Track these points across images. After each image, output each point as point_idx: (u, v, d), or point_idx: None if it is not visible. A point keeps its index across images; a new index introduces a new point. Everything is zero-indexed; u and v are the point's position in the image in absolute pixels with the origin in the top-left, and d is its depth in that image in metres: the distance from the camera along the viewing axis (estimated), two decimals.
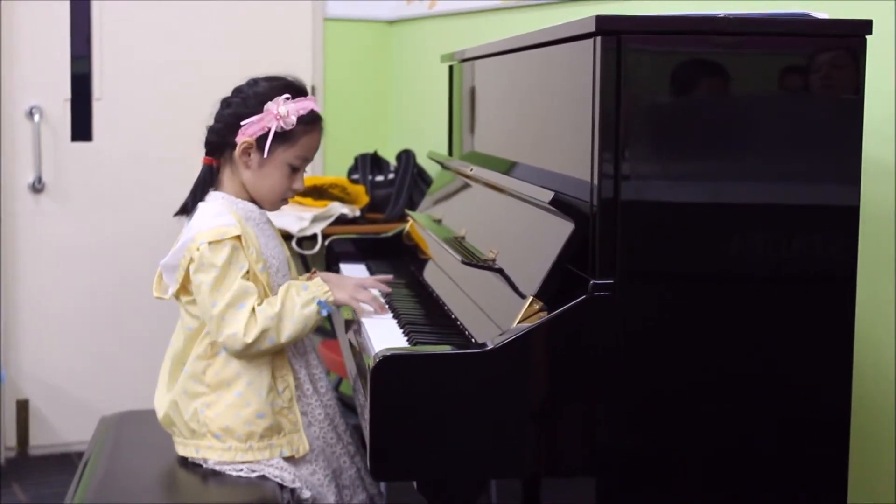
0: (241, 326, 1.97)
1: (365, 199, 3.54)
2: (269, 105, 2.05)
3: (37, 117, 3.59)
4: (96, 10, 3.66)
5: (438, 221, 2.32)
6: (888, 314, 1.86)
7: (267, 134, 2.04)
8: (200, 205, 2.09)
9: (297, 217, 3.27)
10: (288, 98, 2.05)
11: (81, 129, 3.69)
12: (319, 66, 3.97)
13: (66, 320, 3.71)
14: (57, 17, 3.62)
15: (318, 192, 3.47)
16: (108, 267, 3.74)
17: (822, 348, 1.62)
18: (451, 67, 2.67)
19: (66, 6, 3.63)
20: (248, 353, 2.01)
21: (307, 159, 2.13)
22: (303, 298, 2.02)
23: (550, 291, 1.61)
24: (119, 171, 3.73)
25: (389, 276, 2.22)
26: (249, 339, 1.98)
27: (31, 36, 3.59)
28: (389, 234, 2.76)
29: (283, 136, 2.06)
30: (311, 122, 2.10)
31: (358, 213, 3.49)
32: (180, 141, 3.72)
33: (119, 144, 3.73)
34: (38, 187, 3.63)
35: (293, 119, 2.05)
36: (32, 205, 3.65)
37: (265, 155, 2.05)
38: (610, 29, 1.54)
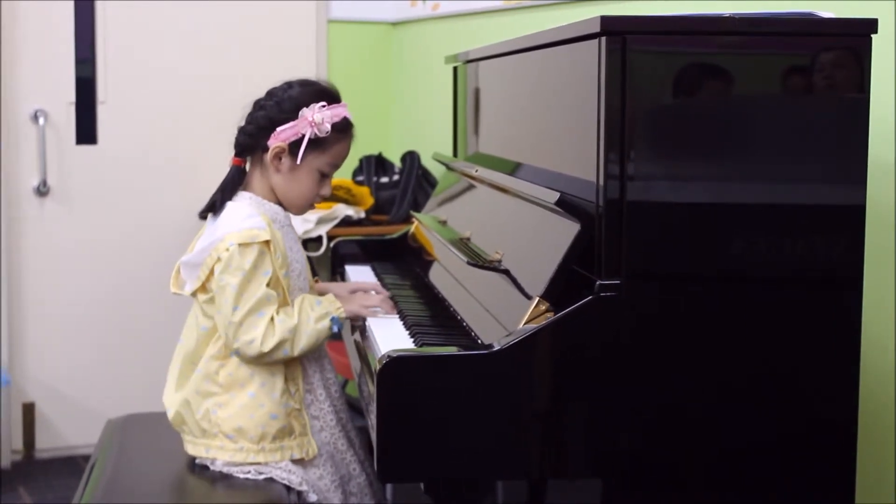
0: (260, 334, 1.97)
1: (370, 201, 3.54)
2: (305, 111, 2.03)
3: (41, 121, 3.60)
4: (100, 12, 3.66)
5: (443, 223, 2.32)
6: (889, 315, 1.86)
7: (300, 139, 2.04)
8: (229, 204, 2.07)
9: (302, 219, 3.27)
10: (324, 105, 2.04)
11: (86, 132, 3.69)
12: (323, 67, 3.97)
13: (71, 323, 3.71)
14: (61, 20, 3.62)
15: None
16: (113, 270, 3.74)
17: (828, 349, 1.62)
18: (455, 69, 2.67)
19: (70, 9, 3.63)
20: (259, 361, 2.02)
21: (337, 166, 2.12)
22: (317, 313, 2.03)
23: (556, 292, 1.61)
24: (124, 175, 3.73)
25: (386, 292, 2.21)
26: (266, 349, 1.97)
27: (34, 39, 3.60)
28: (394, 235, 2.76)
29: (315, 143, 2.05)
30: (343, 129, 2.08)
31: (363, 215, 3.49)
32: (185, 144, 3.72)
33: (124, 147, 3.73)
34: (42, 191, 3.63)
35: (328, 126, 2.03)
36: (37, 208, 3.65)
37: (298, 161, 2.05)
38: (615, 29, 1.54)
